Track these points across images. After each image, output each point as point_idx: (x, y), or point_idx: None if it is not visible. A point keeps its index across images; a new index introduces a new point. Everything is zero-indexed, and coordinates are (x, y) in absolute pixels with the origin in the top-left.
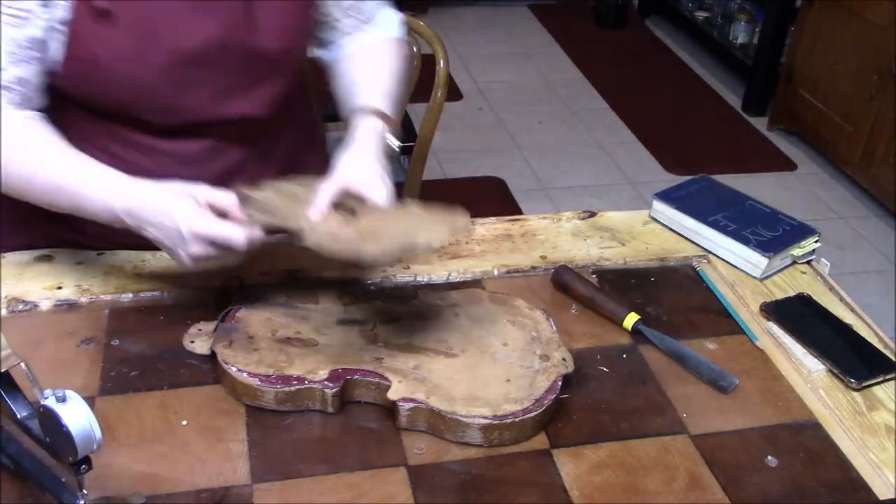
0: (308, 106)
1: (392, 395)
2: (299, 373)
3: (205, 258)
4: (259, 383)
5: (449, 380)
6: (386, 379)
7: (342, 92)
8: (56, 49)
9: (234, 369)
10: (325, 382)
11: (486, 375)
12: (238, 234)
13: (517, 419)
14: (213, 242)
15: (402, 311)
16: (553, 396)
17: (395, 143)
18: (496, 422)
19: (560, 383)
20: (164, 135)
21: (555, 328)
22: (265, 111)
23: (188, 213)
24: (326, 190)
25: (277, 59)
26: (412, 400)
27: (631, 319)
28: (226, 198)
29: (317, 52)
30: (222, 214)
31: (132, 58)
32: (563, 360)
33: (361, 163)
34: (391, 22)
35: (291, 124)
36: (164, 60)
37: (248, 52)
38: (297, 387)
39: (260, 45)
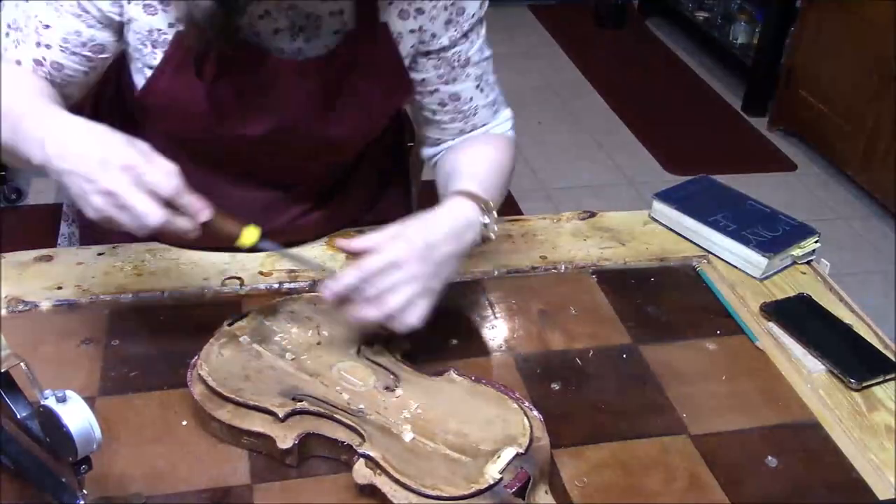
0: (383, 158)
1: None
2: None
3: (106, 220)
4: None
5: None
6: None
7: (441, 184)
8: (112, 52)
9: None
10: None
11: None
12: (154, 213)
13: None
14: (122, 206)
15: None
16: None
17: (493, 230)
18: None
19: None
20: (234, 181)
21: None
22: (326, 179)
23: (117, 162)
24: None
25: (344, 145)
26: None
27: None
28: (167, 177)
29: (423, 151)
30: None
31: (202, 128)
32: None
33: (403, 231)
34: (502, 121)
35: (364, 176)
36: (230, 138)
37: (315, 139)
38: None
39: (330, 135)
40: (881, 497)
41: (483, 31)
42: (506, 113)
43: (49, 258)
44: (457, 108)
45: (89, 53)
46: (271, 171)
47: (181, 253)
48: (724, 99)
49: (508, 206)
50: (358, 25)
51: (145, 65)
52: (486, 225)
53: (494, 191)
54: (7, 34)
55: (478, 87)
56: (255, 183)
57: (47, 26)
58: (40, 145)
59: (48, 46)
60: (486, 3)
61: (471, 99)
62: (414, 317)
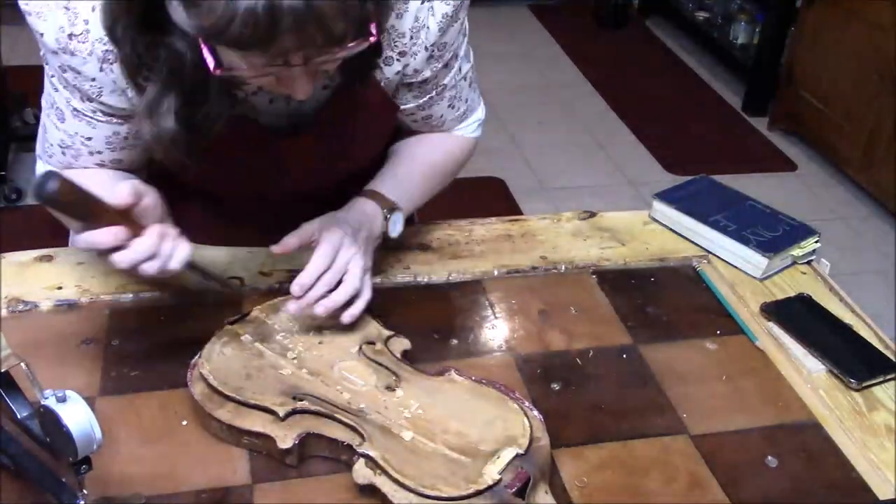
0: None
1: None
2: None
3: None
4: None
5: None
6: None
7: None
8: None
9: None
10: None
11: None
12: (101, 235)
13: None
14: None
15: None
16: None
17: (395, 228)
18: None
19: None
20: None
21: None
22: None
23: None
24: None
25: (350, 170)
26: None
27: None
28: (119, 193)
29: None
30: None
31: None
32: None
33: (330, 220)
34: (468, 124)
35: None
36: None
37: (323, 179)
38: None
39: (337, 170)
40: (881, 497)
41: (464, 47)
42: (475, 115)
43: (49, 258)
44: (428, 122)
45: (136, 141)
46: (275, 203)
47: None
48: (724, 99)
49: (509, 206)
50: (345, 79)
51: None
52: (386, 220)
53: (413, 191)
54: (63, 153)
55: (450, 105)
56: (257, 205)
57: (89, 138)
58: None
59: (100, 152)
60: (466, 28)
61: (441, 116)
62: (370, 289)
